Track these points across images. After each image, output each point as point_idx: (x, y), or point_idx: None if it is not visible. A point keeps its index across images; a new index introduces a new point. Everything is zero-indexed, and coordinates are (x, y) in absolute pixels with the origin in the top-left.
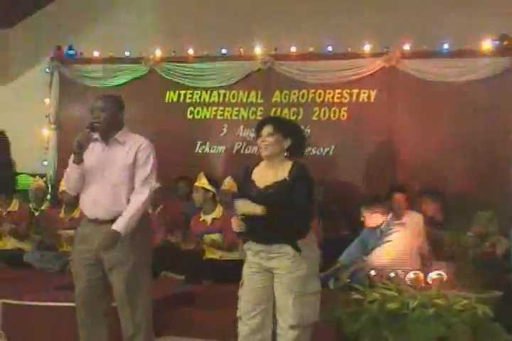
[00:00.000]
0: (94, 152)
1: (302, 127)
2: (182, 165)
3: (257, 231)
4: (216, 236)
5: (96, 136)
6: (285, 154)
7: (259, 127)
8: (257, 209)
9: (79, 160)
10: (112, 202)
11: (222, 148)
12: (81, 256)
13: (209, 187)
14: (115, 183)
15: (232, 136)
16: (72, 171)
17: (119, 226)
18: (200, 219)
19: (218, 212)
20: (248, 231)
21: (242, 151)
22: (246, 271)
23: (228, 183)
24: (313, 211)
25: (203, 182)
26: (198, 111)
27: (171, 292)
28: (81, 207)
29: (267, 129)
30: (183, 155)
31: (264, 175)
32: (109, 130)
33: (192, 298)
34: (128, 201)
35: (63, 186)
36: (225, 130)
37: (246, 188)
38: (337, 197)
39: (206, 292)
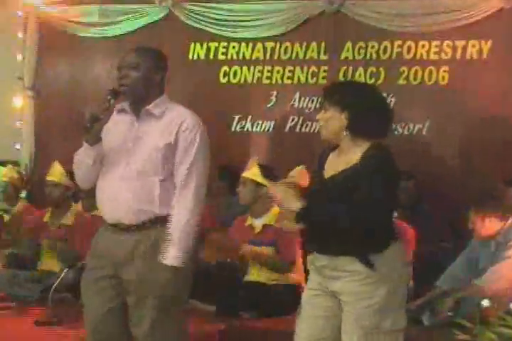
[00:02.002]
0: (119, 128)
1: (375, 92)
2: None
3: (320, 235)
4: (266, 250)
5: (124, 105)
6: (344, 133)
7: (323, 98)
8: (292, 203)
9: (93, 140)
10: (137, 197)
11: (269, 125)
12: (94, 276)
13: (262, 179)
14: (142, 170)
15: (283, 108)
16: (83, 154)
17: (168, 257)
18: (246, 224)
19: (273, 215)
20: (309, 236)
21: (297, 129)
22: (306, 294)
23: (298, 173)
24: (391, 212)
25: (253, 172)
26: (236, 73)
27: (197, 328)
28: (99, 207)
29: (324, 102)
30: (214, 135)
31: (335, 163)
32: (141, 97)
33: (225, 337)
34: (163, 197)
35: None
36: (273, 99)
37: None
38: (433, 195)
39: (246, 329)
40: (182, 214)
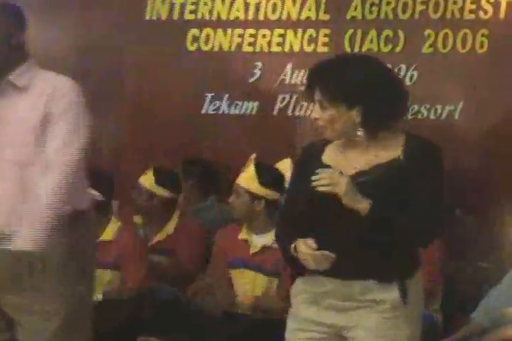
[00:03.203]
0: None
1: (382, 66)
2: (180, 136)
3: (336, 252)
4: (265, 281)
5: None
6: (358, 132)
7: (308, 89)
8: (360, 202)
9: None
10: (19, 196)
11: (252, 106)
12: None
13: (260, 189)
14: (23, 162)
15: (271, 84)
16: None
17: (23, 239)
18: (240, 237)
19: None
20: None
21: (289, 111)
22: (294, 335)
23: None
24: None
25: (249, 177)
26: (208, 37)
27: None
28: None
29: (316, 96)
30: (179, 119)
31: (351, 158)
32: None
33: None
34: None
35: None
36: (257, 72)
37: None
38: (468, 198)
39: None
40: (47, 191)
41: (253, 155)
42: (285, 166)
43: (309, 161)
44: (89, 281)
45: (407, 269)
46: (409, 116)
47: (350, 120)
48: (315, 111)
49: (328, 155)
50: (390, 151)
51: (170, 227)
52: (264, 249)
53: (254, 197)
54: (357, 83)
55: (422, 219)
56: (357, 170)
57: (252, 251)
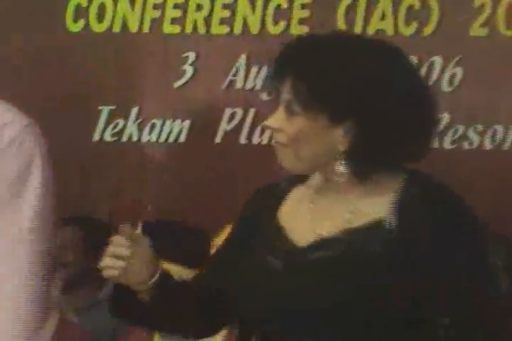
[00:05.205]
0: None
1: (403, 62)
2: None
3: None
4: None
5: None
6: (340, 167)
7: (275, 80)
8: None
9: None
10: None
11: (179, 129)
12: None
13: None
14: None
15: (211, 89)
16: None
17: None
18: None
19: None
20: None
21: (243, 137)
22: None
23: None
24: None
25: None
26: (105, 10)
27: None
28: None
29: (284, 93)
30: (58, 151)
31: (321, 212)
32: None
33: None
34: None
35: None
36: (188, 70)
37: (260, 248)
38: None
39: None
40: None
41: None
42: None
43: (257, 215)
44: None
45: None
46: (449, 145)
47: (330, 142)
48: (274, 117)
49: (289, 208)
50: (371, 206)
51: None
52: None
53: None
54: (357, 83)
55: None
56: (316, 239)
57: None
